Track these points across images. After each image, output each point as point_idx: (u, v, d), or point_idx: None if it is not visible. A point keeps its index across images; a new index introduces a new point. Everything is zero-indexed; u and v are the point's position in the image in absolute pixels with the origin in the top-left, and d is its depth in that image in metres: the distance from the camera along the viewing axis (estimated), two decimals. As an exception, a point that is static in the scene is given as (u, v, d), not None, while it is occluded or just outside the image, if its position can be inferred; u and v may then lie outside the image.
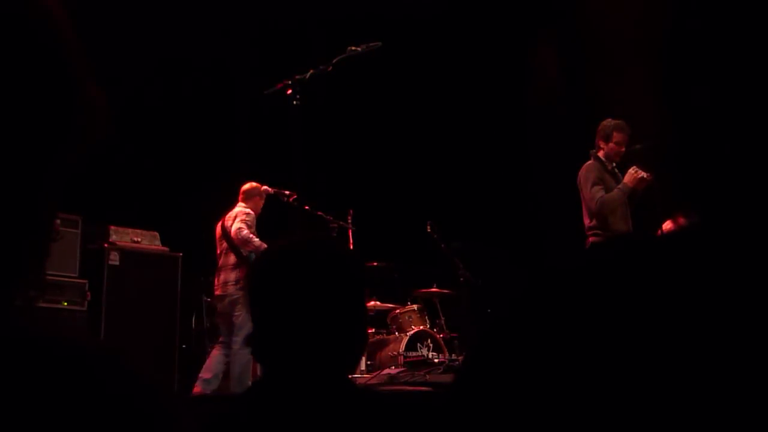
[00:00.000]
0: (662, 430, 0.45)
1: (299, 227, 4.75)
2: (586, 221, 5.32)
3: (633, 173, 5.13)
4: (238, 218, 6.18)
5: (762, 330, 0.45)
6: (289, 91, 4.44)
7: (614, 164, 5.32)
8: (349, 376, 1.61)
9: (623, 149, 5.28)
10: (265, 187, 6.38)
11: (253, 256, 6.13)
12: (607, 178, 5.24)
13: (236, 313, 6.11)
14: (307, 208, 5.82)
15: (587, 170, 5.27)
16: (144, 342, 6.13)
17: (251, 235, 6.10)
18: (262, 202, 6.46)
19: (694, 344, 0.46)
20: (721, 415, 0.44)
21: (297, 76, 4.45)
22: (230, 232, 6.18)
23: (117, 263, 6.34)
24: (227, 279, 6.24)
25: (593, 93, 7.71)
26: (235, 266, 6.23)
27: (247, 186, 6.47)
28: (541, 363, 0.50)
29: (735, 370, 0.45)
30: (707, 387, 0.45)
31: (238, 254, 6.21)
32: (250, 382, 5.77)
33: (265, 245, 6.10)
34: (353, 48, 4.56)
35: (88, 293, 6.11)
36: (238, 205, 6.37)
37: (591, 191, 5.15)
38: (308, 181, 4.59)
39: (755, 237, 0.49)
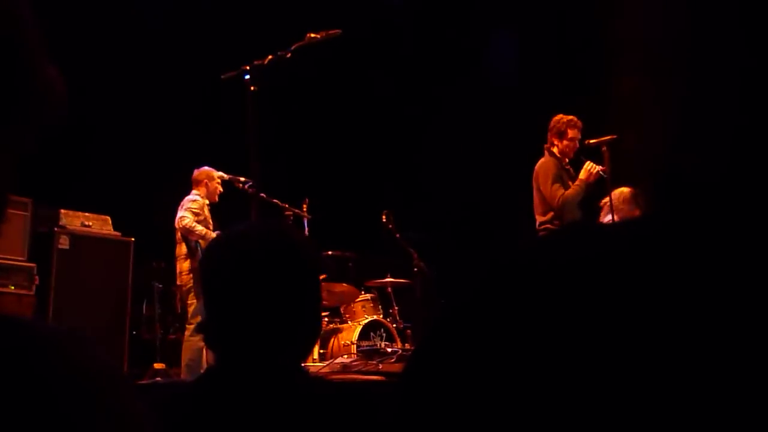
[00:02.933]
0: (617, 419, 0.45)
1: (254, 214, 4.71)
2: (539, 217, 5.37)
3: (589, 168, 5.20)
4: (183, 206, 6.16)
5: (709, 314, 0.46)
6: (247, 77, 4.40)
7: (567, 160, 5.40)
8: (302, 365, 1.61)
9: (577, 145, 5.34)
10: (220, 173, 6.33)
11: (199, 245, 6.12)
12: (563, 175, 5.31)
13: (189, 302, 6.12)
14: (262, 195, 5.79)
15: (546, 167, 5.32)
16: (93, 328, 6.04)
17: (194, 224, 6.07)
18: (216, 186, 6.41)
19: (649, 333, 0.46)
20: (675, 407, 0.45)
21: (255, 62, 4.41)
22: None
23: (67, 247, 6.24)
24: (181, 269, 6.27)
25: (549, 86, 7.80)
26: (186, 256, 6.23)
27: (195, 172, 6.43)
28: (491, 352, 0.50)
29: (686, 355, 0.45)
30: (656, 377, 0.45)
31: (186, 243, 6.20)
32: (201, 370, 5.73)
33: (212, 233, 6.10)
34: (313, 35, 4.53)
35: (36, 277, 6.01)
36: (191, 192, 6.34)
37: (552, 189, 5.21)
38: (264, 169, 4.55)
39: (711, 228, 0.49)
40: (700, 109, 6.17)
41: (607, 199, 5.02)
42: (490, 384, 0.49)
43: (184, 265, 6.26)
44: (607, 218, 4.98)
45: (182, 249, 6.26)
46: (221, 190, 6.43)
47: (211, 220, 6.34)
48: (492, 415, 0.48)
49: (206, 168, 6.44)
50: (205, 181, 6.38)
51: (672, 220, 0.50)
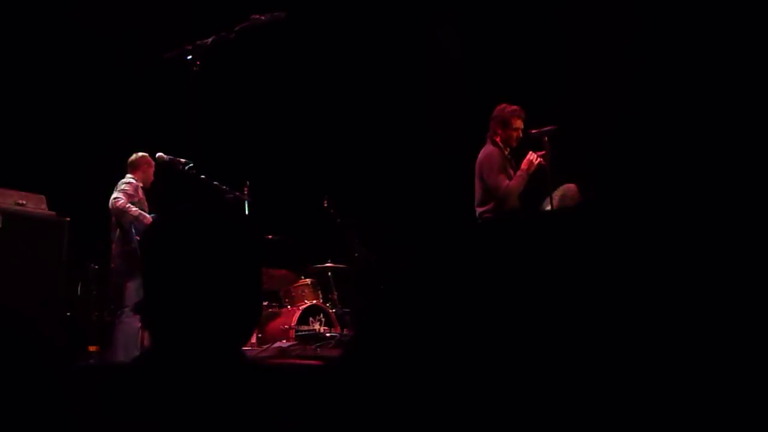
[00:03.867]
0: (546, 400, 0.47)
1: (194, 196, 4.66)
2: (479, 207, 5.40)
3: (532, 159, 5.25)
4: (117, 189, 6.13)
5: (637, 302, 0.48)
6: (189, 57, 4.34)
7: (508, 150, 5.44)
8: (241, 349, 1.60)
9: (521, 135, 5.39)
10: (159, 154, 6.24)
11: (133, 227, 6.07)
12: (506, 165, 5.35)
13: (125, 285, 6.08)
14: (203, 177, 5.73)
15: (490, 157, 5.33)
16: (26, 309, 5.91)
17: (128, 205, 6.03)
18: (152, 169, 6.39)
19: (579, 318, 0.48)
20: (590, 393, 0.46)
21: (198, 42, 4.36)
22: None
23: (0, 226, 6.07)
24: (115, 252, 6.21)
25: (494, 76, 7.86)
26: (119, 239, 6.19)
27: (132, 157, 6.41)
28: (427, 336, 0.51)
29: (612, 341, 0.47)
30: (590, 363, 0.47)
31: (120, 226, 6.16)
32: (137, 352, 5.66)
33: (146, 215, 6.07)
34: (257, 16, 4.49)
35: (-33, 256, 5.84)
36: (126, 175, 6.30)
37: (497, 179, 5.23)
38: (205, 150, 4.50)
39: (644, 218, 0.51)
40: (641, 103, 6.29)
41: (558, 191, 5.10)
42: (425, 369, 0.50)
43: (118, 248, 6.22)
44: (546, 209, 5.06)
45: (116, 232, 6.21)
46: (153, 179, 6.43)
47: (146, 203, 6.30)
48: (424, 395, 0.49)
49: (145, 154, 6.39)
50: (144, 165, 6.38)
51: (591, 213, 0.53)
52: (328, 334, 6.60)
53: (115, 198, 6.08)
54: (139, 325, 5.61)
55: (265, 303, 6.95)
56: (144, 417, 1.33)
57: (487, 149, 5.40)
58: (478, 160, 5.42)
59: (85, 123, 7.67)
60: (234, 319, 1.49)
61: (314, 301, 6.98)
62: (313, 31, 8.57)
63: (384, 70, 9.04)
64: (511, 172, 5.31)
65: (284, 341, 6.12)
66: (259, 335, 6.61)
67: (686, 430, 0.44)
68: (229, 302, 1.47)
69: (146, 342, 5.69)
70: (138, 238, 6.05)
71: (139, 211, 6.09)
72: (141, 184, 6.31)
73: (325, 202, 7.20)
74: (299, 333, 6.53)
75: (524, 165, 5.27)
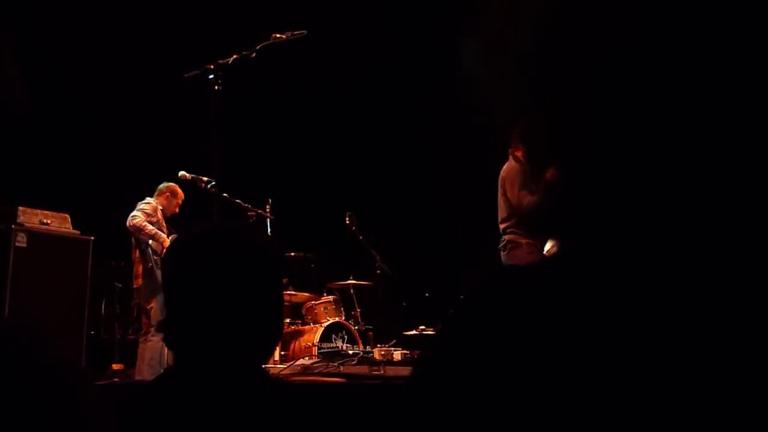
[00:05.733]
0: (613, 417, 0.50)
1: (217, 215, 4.68)
2: (503, 222, 5.39)
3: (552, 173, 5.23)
4: (136, 208, 6.20)
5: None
6: (211, 76, 4.37)
7: (530, 165, 5.42)
8: (263, 366, 1.60)
9: None
10: (182, 172, 6.30)
11: (150, 247, 6.13)
12: (528, 181, 5.33)
13: (148, 306, 6.15)
14: (225, 195, 5.77)
15: (515, 173, 5.31)
16: (50, 327, 5.95)
17: (144, 222, 6.10)
18: (176, 201, 6.51)
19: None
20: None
21: (219, 61, 4.39)
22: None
23: (24, 245, 6.12)
24: (136, 272, 6.28)
25: (509, 91, 7.84)
26: (140, 258, 6.26)
27: (164, 184, 6.49)
28: (486, 356, 0.54)
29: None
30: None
31: (138, 245, 6.23)
32: (162, 369, 5.69)
33: (163, 234, 6.13)
34: (278, 35, 4.53)
35: (-7, 275, 5.90)
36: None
37: (519, 195, 5.23)
38: (227, 169, 4.53)
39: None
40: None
41: None
42: (489, 384, 0.53)
43: (138, 268, 6.29)
44: None
45: (137, 252, 6.29)
46: (177, 212, 6.49)
47: (164, 226, 6.35)
48: (492, 410, 0.52)
49: (173, 185, 6.47)
50: (168, 194, 6.47)
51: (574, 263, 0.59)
52: (350, 351, 6.58)
53: (132, 216, 6.15)
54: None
55: (288, 320, 6.96)
56: (167, 435, 1.32)
57: (510, 165, 5.40)
58: (501, 175, 5.42)
59: (108, 142, 7.74)
60: (256, 337, 1.48)
61: (337, 319, 6.98)
62: (334, 48, 8.61)
63: (405, 83, 9.05)
64: (534, 187, 5.30)
65: (307, 359, 6.10)
66: (282, 353, 6.61)
67: None
68: (250, 320, 1.46)
69: (170, 361, 5.71)
70: (156, 258, 6.10)
71: (155, 229, 6.15)
72: (161, 208, 6.37)
73: (347, 218, 7.21)
74: (322, 350, 6.51)
75: (548, 176, 5.25)
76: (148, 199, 6.36)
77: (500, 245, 5.38)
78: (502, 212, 5.42)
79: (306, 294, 7.24)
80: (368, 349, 6.67)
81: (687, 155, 0.56)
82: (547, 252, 5.11)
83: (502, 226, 5.40)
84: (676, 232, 0.55)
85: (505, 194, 5.37)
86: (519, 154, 5.39)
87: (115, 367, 6.74)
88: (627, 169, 0.58)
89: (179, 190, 6.50)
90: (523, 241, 5.23)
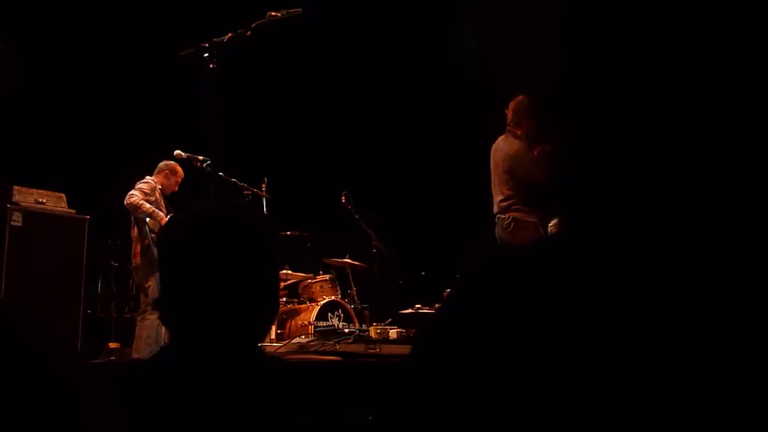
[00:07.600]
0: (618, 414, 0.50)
1: (212, 193, 4.67)
2: (504, 202, 5.25)
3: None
4: (135, 187, 6.21)
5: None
6: (206, 55, 4.35)
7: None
8: (259, 345, 1.60)
9: None
10: (177, 151, 6.29)
11: (147, 225, 6.15)
12: (540, 159, 5.23)
13: (147, 284, 6.18)
14: (221, 174, 5.75)
15: (519, 151, 5.13)
16: (47, 307, 5.95)
17: (141, 201, 6.11)
18: (175, 179, 6.50)
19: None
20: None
21: (214, 39, 4.37)
22: None
23: (20, 224, 6.11)
24: (134, 250, 6.30)
25: (504, 69, 7.81)
26: (138, 237, 6.28)
27: (163, 162, 6.50)
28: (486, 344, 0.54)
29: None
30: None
31: (137, 225, 6.26)
32: (158, 348, 5.71)
33: (161, 213, 6.15)
34: (273, 13, 4.50)
35: (-12, 255, 5.89)
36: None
37: (533, 172, 5.07)
38: (223, 147, 4.52)
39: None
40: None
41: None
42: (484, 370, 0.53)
43: (136, 247, 6.31)
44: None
45: (134, 230, 6.31)
46: (176, 189, 6.48)
47: (163, 204, 6.36)
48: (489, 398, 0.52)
49: (172, 163, 6.46)
50: (167, 172, 6.48)
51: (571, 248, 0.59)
52: (346, 330, 6.60)
53: (129, 194, 6.18)
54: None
55: (284, 299, 6.98)
56: (163, 413, 1.33)
57: (511, 142, 5.25)
58: (500, 153, 5.29)
59: (103, 121, 7.71)
60: (252, 315, 1.49)
61: (333, 297, 7.00)
62: (330, 27, 8.57)
63: (402, 64, 9.02)
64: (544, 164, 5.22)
65: (303, 337, 6.13)
66: (279, 331, 6.63)
67: None
68: (246, 298, 1.47)
69: (167, 339, 5.73)
70: (153, 235, 6.11)
71: (153, 208, 6.16)
72: (160, 187, 6.37)
73: (343, 197, 7.21)
74: (318, 329, 6.54)
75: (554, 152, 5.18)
76: (147, 178, 6.37)
77: (503, 224, 5.25)
78: (503, 190, 5.28)
79: (302, 273, 7.25)
80: (364, 327, 6.69)
81: (706, 144, 0.55)
82: (550, 229, 5.02)
83: (503, 204, 5.25)
84: (684, 220, 0.54)
85: (507, 172, 5.21)
86: (519, 131, 5.23)
87: (112, 345, 6.75)
88: (641, 146, 0.57)
89: (179, 168, 6.50)
90: (532, 220, 5.14)
